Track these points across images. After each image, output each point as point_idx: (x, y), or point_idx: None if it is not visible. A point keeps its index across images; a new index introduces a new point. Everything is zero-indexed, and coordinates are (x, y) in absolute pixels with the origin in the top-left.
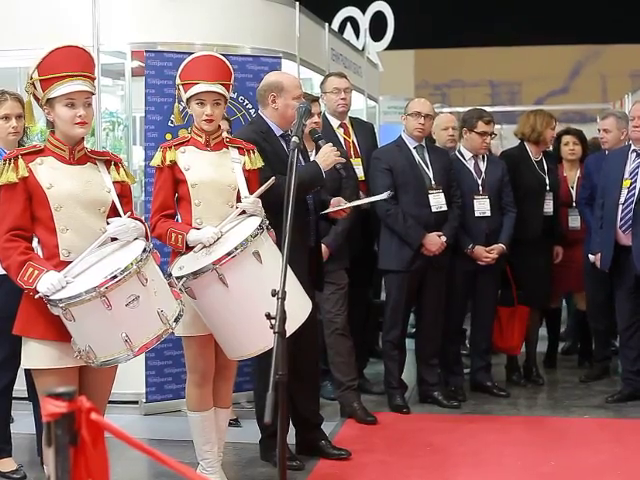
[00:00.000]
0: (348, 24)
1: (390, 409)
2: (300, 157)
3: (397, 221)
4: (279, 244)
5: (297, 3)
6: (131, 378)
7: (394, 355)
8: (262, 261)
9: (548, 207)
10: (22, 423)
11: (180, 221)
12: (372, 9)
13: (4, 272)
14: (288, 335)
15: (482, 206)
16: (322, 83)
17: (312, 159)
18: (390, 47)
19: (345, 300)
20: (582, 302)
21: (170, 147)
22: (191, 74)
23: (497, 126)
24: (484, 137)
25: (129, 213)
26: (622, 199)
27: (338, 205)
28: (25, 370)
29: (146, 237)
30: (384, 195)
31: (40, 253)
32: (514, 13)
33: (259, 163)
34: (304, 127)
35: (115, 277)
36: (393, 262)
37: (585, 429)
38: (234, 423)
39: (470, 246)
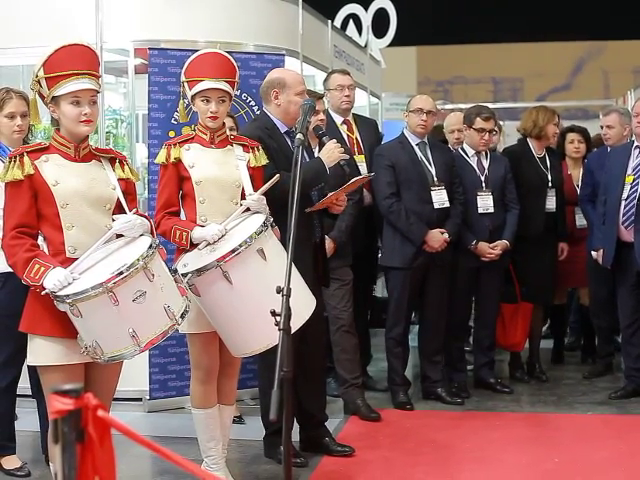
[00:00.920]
0: (351, 21)
1: (394, 406)
2: (305, 154)
3: (399, 218)
4: (283, 241)
5: (300, 0)
6: (135, 375)
7: (397, 352)
8: (266, 258)
9: (550, 204)
10: (26, 420)
11: (184, 218)
12: (374, 6)
13: (9, 269)
14: (292, 332)
15: (485, 202)
16: (325, 80)
17: (316, 155)
18: (392, 44)
19: (351, 296)
20: (586, 298)
21: (175, 144)
22: (196, 71)
23: (500, 122)
24: (482, 134)
25: (134, 210)
26: (625, 195)
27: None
28: (29, 367)
29: (152, 233)
30: (365, 175)
31: (46, 250)
32: (516, 10)
33: (264, 160)
34: (309, 124)
35: (122, 273)
36: (396, 259)
37: (588, 425)
38: (238, 420)
39: (473, 242)
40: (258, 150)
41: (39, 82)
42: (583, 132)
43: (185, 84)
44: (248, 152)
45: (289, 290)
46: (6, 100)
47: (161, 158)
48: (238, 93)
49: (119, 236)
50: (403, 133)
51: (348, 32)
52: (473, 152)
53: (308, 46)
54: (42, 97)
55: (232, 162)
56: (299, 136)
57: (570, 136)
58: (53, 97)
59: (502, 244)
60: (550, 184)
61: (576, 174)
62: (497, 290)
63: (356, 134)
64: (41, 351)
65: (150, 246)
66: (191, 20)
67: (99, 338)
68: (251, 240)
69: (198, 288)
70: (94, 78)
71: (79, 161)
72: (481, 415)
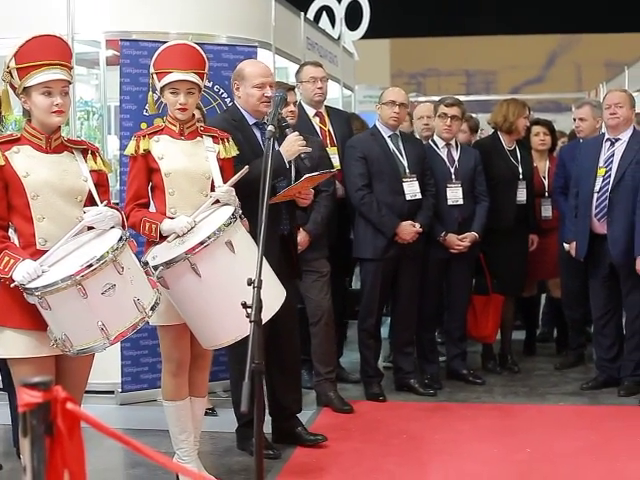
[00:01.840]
0: (324, 13)
1: (366, 397)
2: (277, 145)
3: (371, 210)
4: (251, 232)
5: None
6: (107, 368)
7: (370, 344)
8: (235, 250)
9: (521, 196)
10: None
11: (154, 210)
12: None
13: None
14: (262, 324)
15: (454, 194)
16: (298, 72)
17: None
18: (366, 36)
19: (329, 288)
20: (556, 290)
21: (144, 136)
22: (165, 63)
23: (473, 115)
24: (444, 120)
25: (106, 202)
26: (597, 187)
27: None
28: (0, 360)
29: (123, 226)
30: (326, 171)
31: (16, 241)
32: (490, 2)
33: (234, 152)
34: (280, 116)
35: (91, 265)
36: (368, 250)
37: (560, 416)
38: (210, 412)
39: (442, 234)
40: (228, 141)
41: (10, 73)
42: (548, 125)
43: (154, 76)
44: (218, 143)
45: (260, 282)
46: None
47: (130, 150)
48: (210, 85)
49: (90, 228)
50: (375, 125)
51: (321, 24)
52: (443, 144)
53: (281, 38)
54: (13, 88)
55: (201, 154)
56: (270, 128)
57: (535, 129)
58: (24, 88)
59: (471, 236)
60: (521, 176)
61: (542, 166)
62: (467, 281)
63: (329, 126)
64: (11, 343)
65: (120, 239)
66: (163, 12)
67: (68, 331)
68: (219, 232)
69: (167, 280)
70: (66, 69)
71: (50, 152)
72: (453, 406)
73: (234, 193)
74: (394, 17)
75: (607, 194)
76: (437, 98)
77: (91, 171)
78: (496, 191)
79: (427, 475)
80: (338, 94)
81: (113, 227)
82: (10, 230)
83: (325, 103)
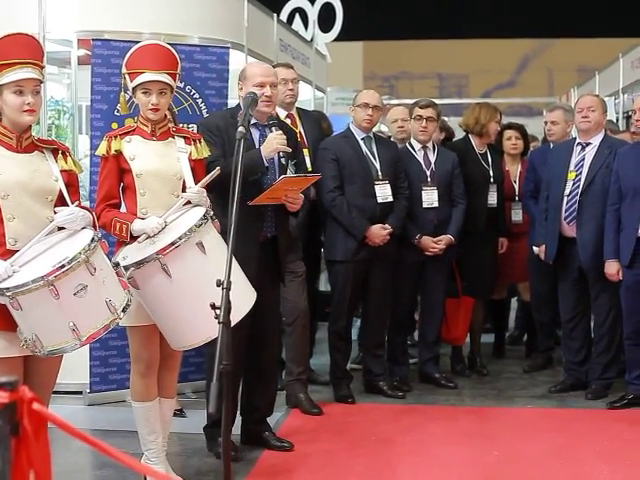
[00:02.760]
0: (297, 15)
1: (335, 399)
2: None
3: (342, 211)
4: (223, 232)
5: None
6: (75, 368)
7: (340, 346)
8: (206, 252)
9: (492, 199)
10: None
11: (125, 211)
12: (321, 0)
13: None
14: (233, 325)
15: (430, 197)
16: None
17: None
18: (338, 38)
19: (304, 288)
20: (526, 293)
21: (115, 136)
22: (137, 63)
23: (445, 118)
24: (420, 122)
25: (77, 202)
26: (567, 191)
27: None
28: None
29: (94, 226)
30: (314, 175)
31: None
32: (463, 6)
33: (205, 153)
34: (250, 117)
35: (63, 266)
36: (338, 252)
37: (528, 419)
38: (179, 413)
39: (417, 236)
40: (200, 142)
41: None
42: (520, 129)
43: (126, 76)
44: (190, 144)
45: (229, 283)
46: None
47: (102, 150)
48: (182, 85)
49: (61, 228)
50: (349, 127)
51: (294, 26)
52: (420, 146)
53: (253, 39)
54: None
55: (173, 154)
56: (240, 129)
57: (508, 133)
58: None
59: (446, 239)
60: (492, 180)
61: (514, 170)
62: (442, 285)
63: (300, 128)
64: None
65: (92, 239)
66: (135, 12)
67: (39, 331)
68: (190, 233)
69: (137, 281)
70: (37, 68)
71: (21, 152)
72: (422, 409)
73: (205, 194)
74: (367, 20)
75: (577, 197)
76: (410, 101)
77: (62, 171)
78: (468, 194)
79: (396, 477)
80: (310, 96)
81: (84, 228)
82: None
83: (297, 105)
